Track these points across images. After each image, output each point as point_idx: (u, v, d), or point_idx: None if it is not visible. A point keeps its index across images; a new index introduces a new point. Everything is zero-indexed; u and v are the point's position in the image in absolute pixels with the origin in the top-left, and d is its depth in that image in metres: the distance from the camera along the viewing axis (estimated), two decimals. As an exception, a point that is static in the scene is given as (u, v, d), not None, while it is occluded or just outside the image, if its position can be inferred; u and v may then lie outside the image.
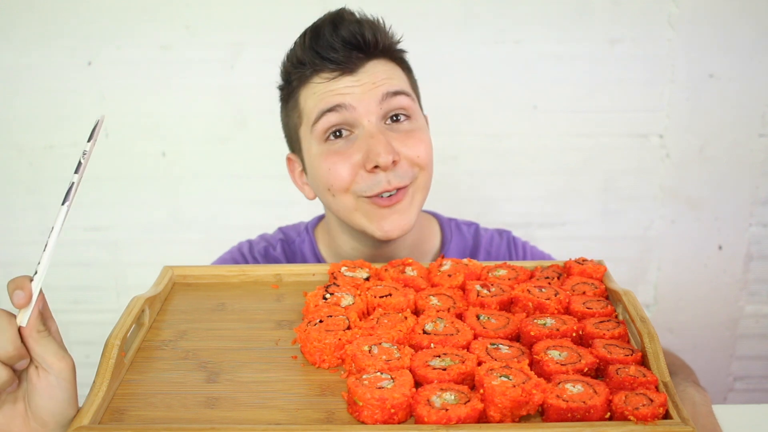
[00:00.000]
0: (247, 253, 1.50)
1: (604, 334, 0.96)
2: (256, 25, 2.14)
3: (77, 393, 0.87)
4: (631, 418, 0.79)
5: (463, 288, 1.11)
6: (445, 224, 1.53)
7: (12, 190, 2.33)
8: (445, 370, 0.87)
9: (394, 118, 1.26)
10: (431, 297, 1.07)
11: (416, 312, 1.06)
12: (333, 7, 1.28)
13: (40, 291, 0.88)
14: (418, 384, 0.87)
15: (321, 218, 1.53)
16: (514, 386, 0.81)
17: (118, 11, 2.14)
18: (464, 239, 1.51)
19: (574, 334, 0.97)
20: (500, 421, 0.81)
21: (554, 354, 0.90)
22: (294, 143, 1.37)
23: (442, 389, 0.84)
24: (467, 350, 0.93)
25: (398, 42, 1.31)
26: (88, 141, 0.97)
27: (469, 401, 0.82)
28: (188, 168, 2.29)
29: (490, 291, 1.07)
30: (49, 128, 2.26)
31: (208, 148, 2.27)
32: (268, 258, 1.49)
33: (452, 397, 0.83)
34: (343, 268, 1.15)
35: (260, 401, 0.88)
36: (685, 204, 2.30)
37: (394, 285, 1.09)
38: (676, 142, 2.23)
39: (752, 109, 2.20)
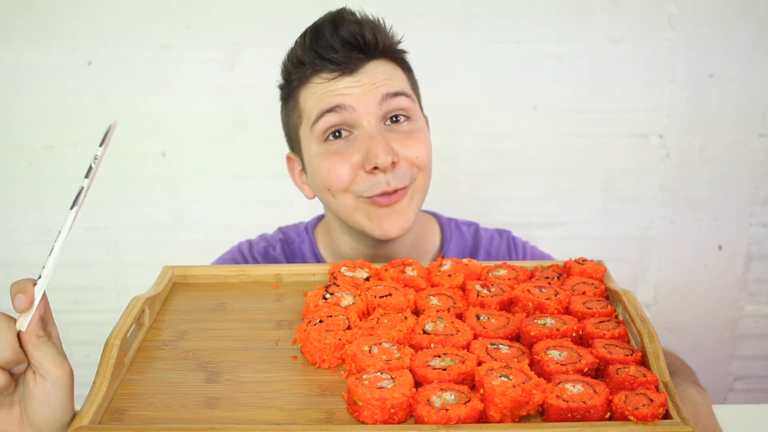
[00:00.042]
0: (246, 253, 1.50)
1: (604, 334, 0.96)
2: (256, 25, 2.14)
3: (74, 400, 0.87)
4: (631, 418, 0.79)
5: (463, 288, 1.11)
6: (444, 224, 1.53)
7: (12, 190, 2.33)
8: (445, 370, 0.87)
9: (394, 119, 1.26)
10: (431, 297, 1.07)
11: (416, 312, 1.06)
12: (333, 7, 1.28)
13: (43, 295, 0.88)
14: (418, 384, 0.87)
15: (321, 218, 1.53)
16: (514, 386, 0.81)
17: (118, 11, 2.14)
18: (464, 239, 1.51)
19: (574, 334, 0.97)
20: (500, 421, 0.81)
21: (554, 354, 0.90)
22: (294, 143, 1.37)
23: (442, 389, 0.84)
24: (467, 350, 0.93)
25: (399, 42, 1.31)
26: (100, 146, 0.93)
27: (469, 401, 0.82)
28: (188, 168, 2.29)
29: (490, 291, 1.07)
30: (49, 128, 2.26)
31: (208, 148, 2.27)
32: (267, 258, 1.49)
33: (452, 397, 0.83)
34: (343, 268, 1.15)
35: (260, 401, 0.88)
36: (685, 204, 2.30)
37: (394, 285, 1.09)
38: (676, 142, 2.23)
39: (752, 109, 2.20)
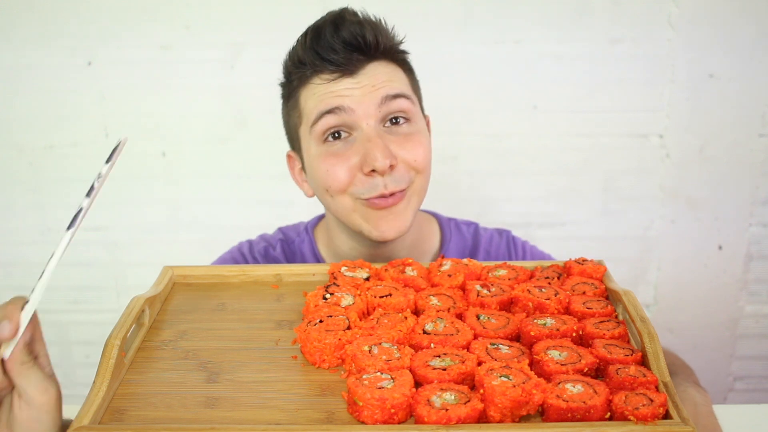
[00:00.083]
0: (246, 253, 1.50)
1: (604, 334, 0.96)
2: (256, 25, 2.14)
3: (61, 420, 0.86)
4: (631, 418, 0.79)
5: (463, 288, 1.11)
6: (444, 224, 1.53)
7: (12, 190, 2.33)
8: (445, 370, 0.87)
9: (394, 121, 1.26)
10: (431, 297, 1.07)
11: (416, 312, 1.06)
12: (333, 7, 1.28)
13: (33, 315, 0.84)
14: (418, 384, 0.87)
15: (321, 218, 1.53)
16: (514, 386, 0.81)
17: (118, 11, 2.14)
18: (464, 239, 1.51)
19: (574, 334, 0.97)
20: (500, 421, 0.81)
21: (554, 354, 0.90)
22: (294, 141, 1.37)
23: (442, 389, 0.84)
24: (467, 350, 0.93)
25: (400, 43, 1.30)
26: (107, 162, 0.84)
27: (469, 401, 0.82)
28: (188, 168, 2.29)
29: (490, 291, 1.07)
30: (49, 128, 2.26)
31: (208, 148, 2.27)
32: (267, 258, 1.49)
33: (452, 397, 0.83)
34: (343, 268, 1.15)
35: (260, 401, 0.88)
36: (685, 204, 2.30)
37: (394, 285, 1.09)
38: (676, 142, 2.23)
39: (752, 109, 2.20)
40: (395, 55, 1.28)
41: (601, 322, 0.99)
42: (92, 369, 0.90)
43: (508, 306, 1.06)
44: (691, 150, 2.24)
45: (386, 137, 1.24)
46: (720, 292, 2.39)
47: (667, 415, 0.81)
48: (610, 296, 1.08)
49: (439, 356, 0.90)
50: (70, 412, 0.86)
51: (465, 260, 1.17)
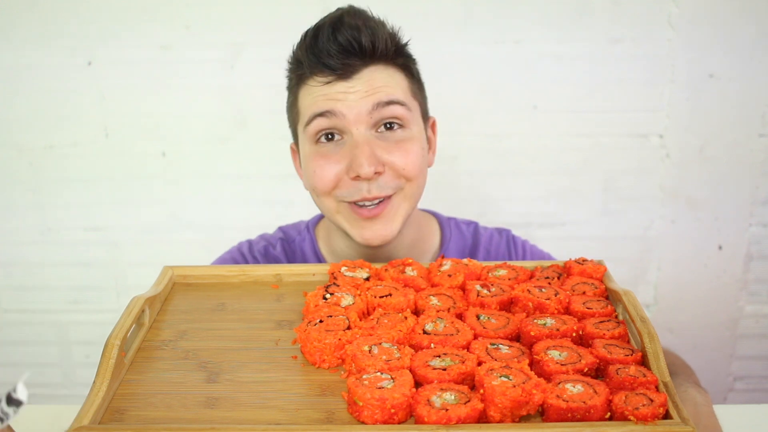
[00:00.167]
0: (246, 253, 1.50)
1: (604, 334, 0.96)
2: (256, 25, 2.14)
3: None
4: (631, 418, 0.79)
5: (463, 288, 1.11)
6: (444, 223, 1.53)
7: (12, 190, 2.33)
8: (445, 370, 0.87)
9: (388, 126, 1.26)
10: (431, 297, 1.07)
11: (416, 312, 1.06)
12: (333, 7, 1.28)
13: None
14: (418, 384, 0.87)
15: (322, 217, 1.53)
16: (514, 386, 0.81)
17: (118, 11, 2.14)
18: (464, 238, 1.51)
19: (574, 334, 0.97)
20: (500, 421, 0.81)
21: (554, 354, 0.90)
22: (294, 136, 1.38)
23: (442, 389, 0.84)
24: (467, 350, 0.93)
25: (403, 47, 1.30)
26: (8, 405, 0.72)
27: (469, 401, 0.82)
28: (188, 168, 2.29)
29: (490, 291, 1.07)
30: (49, 128, 2.26)
31: (208, 148, 2.27)
32: (268, 257, 1.49)
33: (452, 397, 0.83)
34: (343, 268, 1.15)
35: (260, 401, 0.88)
36: (685, 204, 2.30)
37: (394, 285, 1.09)
38: (676, 142, 2.23)
39: (752, 109, 2.20)
40: (394, 59, 1.28)
41: (601, 322, 0.99)
42: (92, 369, 0.90)
43: (508, 306, 1.06)
44: (691, 150, 2.24)
45: (376, 143, 1.24)
46: (720, 292, 2.38)
47: (667, 415, 0.81)
48: (610, 296, 1.08)
49: (439, 356, 0.90)
50: (70, 412, 0.85)
51: (465, 260, 1.17)
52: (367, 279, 1.13)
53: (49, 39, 2.17)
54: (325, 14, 1.27)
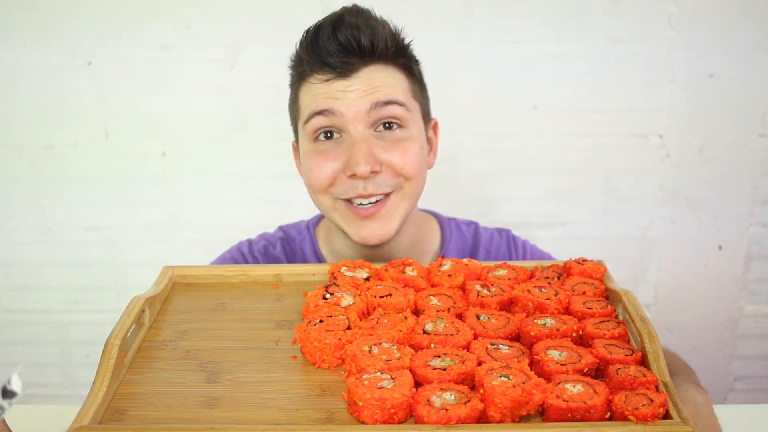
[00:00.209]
0: (246, 252, 1.50)
1: (604, 334, 0.96)
2: (256, 25, 2.14)
3: None
4: (631, 418, 0.79)
5: (463, 288, 1.11)
6: (444, 223, 1.53)
7: (12, 190, 2.33)
8: (445, 370, 0.87)
9: (387, 125, 1.27)
10: (431, 297, 1.07)
11: (416, 312, 1.06)
12: (333, 7, 1.28)
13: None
14: (418, 384, 0.87)
15: (322, 216, 1.53)
16: (514, 386, 0.81)
17: (118, 11, 2.14)
18: (464, 238, 1.51)
19: (574, 334, 0.97)
20: (500, 421, 0.81)
21: (554, 354, 0.90)
22: (295, 133, 1.39)
23: (442, 389, 0.84)
24: (467, 350, 0.93)
25: (406, 47, 1.30)
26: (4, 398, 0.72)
27: (469, 401, 0.82)
28: (188, 168, 2.29)
29: (490, 291, 1.07)
30: (49, 128, 2.26)
31: (208, 148, 2.27)
32: (267, 257, 1.49)
33: (452, 397, 0.83)
34: (343, 268, 1.15)
35: (260, 401, 0.88)
36: (685, 204, 2.30)
37: (394, 285, 1.09)
38: (676, 142, 2.23)
39: (752, 109, 2.20)
40: (395, 59, 1.28)
41: (601, 322, 0.99)
42: (92, 369, 0.90)
43: (508, 306, 1.06)
44: (691, 150, 2.24)
45: (374, 142, 1.24)
46: (720, 292, 2.38)
47: (667, 415, 0.81)
48: (610, 296, 1.08)
49: (439, 356, 0.90)
50: (70, 412, 0.85)
51: (465, 260, 1.17)
52: (367, 279, 1.13)
53: (49, 39, 2.17)
54: (325, 14, 1.27)
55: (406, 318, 1.00)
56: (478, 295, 1.06)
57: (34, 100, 2.23)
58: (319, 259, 1.48)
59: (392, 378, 0.85)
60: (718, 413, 1.12)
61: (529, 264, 1.20)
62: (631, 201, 2.30)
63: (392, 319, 1.00)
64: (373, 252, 1.36)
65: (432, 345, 0.94)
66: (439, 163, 1.44)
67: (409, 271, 1.14)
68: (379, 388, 0.83)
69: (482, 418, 0.82)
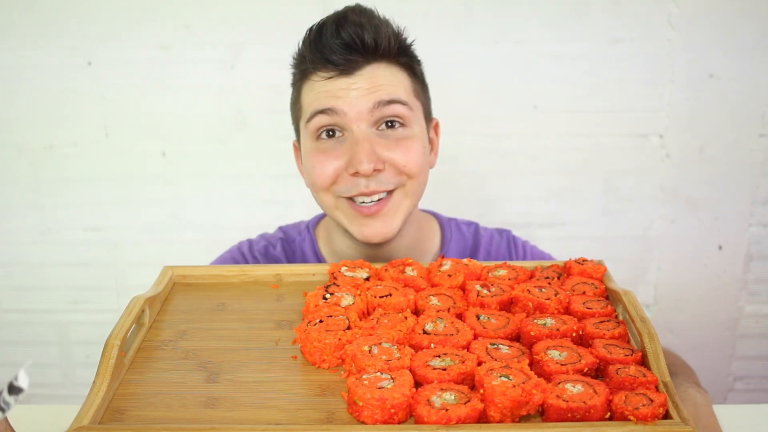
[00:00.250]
0: (246, 252, 1.50)
1: (604, 334, 0.96)
2: (256, 25, 2.14)
3: None
4: (631, 418, 0.79)
5: (463, 288, 1.11)
6: (444, 224, 1.53)
7: (12, 190, 2.33)
8: (445, 370, 0.87)
9: (390, 124, 1.27)
10: (431, 297, 1.07)
11: (416, 312, 1.06)
12: (333, 6, 1.28)
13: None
14: (418, 384, 0.87)
15: (322, 217, 1.53)
16: (514, 386, 0.81)
17: (118, 11, 2.14)
18: (464, 239, 1.51)
19: (574, 334, 0.97)
20: (500, 421, 0.81)
21: (554, 354, 0.90)
22: (297, 132, 1.39)
23: (442, 389, 0.84)
24: (467, 350, 0.93)
25: (408, 47, 1.30)
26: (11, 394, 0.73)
27: (469, 401, 0.82)
28: (188, 168, 2.29)
29: (490, 291, 1.07)
30: (49, 128, 2.26)
31: (208, 148, 2.27)
32: (268, 257, 1.49)
33: (452, 397, 0.83)
34: (343, 268, 1.15)
35: (260, 401, 0.88)
36: (685, 204, 2.30)
37: (394, 285, 1.09)
38: (676, 142, 2.23)
39: (752, 109, 2.20)
40: (398, 58, 1.28)
41: (601, 322, 0.99)
42: (92, 369, 0.90)
43: (508, 306, 1.06)
44: (691, 150, 2.24)
45: (377, 141, 1.24)
46: (720, 292, 2.38)
47: (667, 415, 0.81)
48: (610, 296, 1.08)
49: (439, 356, 0.90)
50: (70, 412, 0.86)
51: (465, 260, 1.17)
52: (367, 279, 1.13)
53: (49, 39, 2.17)
54: (325, 14, 1.27)
55: (406, 318, 1.00)
56: (478, 295, 1.06)
57: (34, 100, 2.23)
58: (319, 260, 1.48)
59: (392, 378, 0.85)
60: (718, 413, 1.12)
61: (529, 264, 1.20)
62: (631, 201, 2.30)
63: (392, 319, 1.00)
64: (373, 252, 1.36)
65: (432, 345, 0.94)
66: (439, 163, 1.44)
67: (409, 271, 1.14)
68: (379, 388, 0.83)
69: (482, 418, 0.82)
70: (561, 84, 2.18)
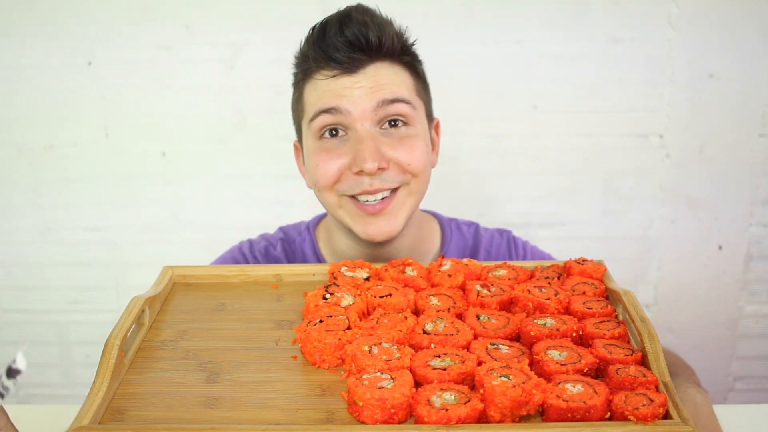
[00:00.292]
0: (247, 253, 1.50)
1: (604, 334, 0.96)
2: (256, 25, 2.14)
3: None
4: (631, 418, 0.79)
5: (463, 288, 1.11)
6: (445, 224, 1.53)
7: (12, 190, 2.33)
8: (445, 370, 0.87)
9: (393, 123, 1.27)
10: (431, 297, 1.07)
11: (416, 312, 1.06)
12: (332, 6, 1.29)
13: None
14: (418, 384, 0.87)
15: (322, 217, 1.53)
16: (514, 386, 0.81)
17: (118, 11, 2.14)
18: (464, 239, 1.51)
19: (574, 334, 0.97)
20: (500, 421, 0.81)
21: (554, 354, 0.90)
22: (298, 132, 1.39)
23: (442, 389, 0.84)
24: (467, 350, 0.93)
25: (410, 46, 1.30)
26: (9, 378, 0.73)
27: (469, 401, 0.82)
28: (188, 168, 2.29)
29: (490, 291, 1.07)
30: (49, 128, 2.26)
31: (208, 148, 2.27)
32: (268, 257, 1.49)
33: (452, 397, 0.83)
34: (343, 268, 1.15)
35: (260, 401, 0.88)
36: (685, 204, 2.30)
37: (394, 285, 1.09)
38: (676, 142, 2.23)
39: (752, 109, 2.20)
40: (400, 57, 1.28)
41: (601, 322, 0.99)
42: (92, 369, 0.90)
43: (508, 306, 1.06)
44: (691, 150, 2.24)
45: (380, 139, 1.25)
46: (720, 292, 2.38)
47: (667, 415, 0.81)
48: (610, 296, 1.08)
49: (439, 356, 0.90)
50: (70, 412, 0.86)
51: (465, 260, 1.17)
52: (367, 279, 1.13)
53: (49, 39, 2.17)
54: (325, 14, 1.27)
55: (406, 318, 1.00)
56: (478, 295, 1.06)
57: (34, 100, 2.23)
58: (320, 260, 1.48)
59: (392, 378, 0.85)
60: (718, 413, 1.12)
61: (529, 264, 1.20)
62: (631, 201, 2.30)
63: (392, 319, 1.00)
64: (374, 252, 1.36)
65: (432, 345, 0.94)
66: (440, 163, 1.44)
67: (409, 271, 1.14)
68: (379, 388, 0.83)
69: (482, 418, 0.82)
70: (561, 84, 2.18)
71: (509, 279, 1.12)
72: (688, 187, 2.28)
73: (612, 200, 2.30)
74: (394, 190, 1.28)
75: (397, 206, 1.28)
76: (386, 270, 1.15)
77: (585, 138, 2.24)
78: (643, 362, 0.91)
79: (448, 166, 2.24)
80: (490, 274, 1.14)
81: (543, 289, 1.05)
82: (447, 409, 0.80)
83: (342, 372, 0.93)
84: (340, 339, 0.94)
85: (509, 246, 1.52)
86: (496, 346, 0.93)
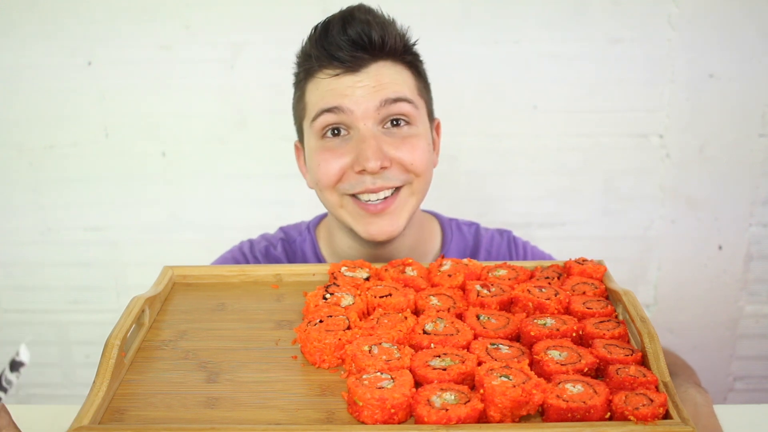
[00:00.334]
0: (247, 252, 1.50)
1: (604, 334, 0.96)
2: (256, 25, 2.14)
3: None
4: (631, 418, 0.79)
5: (463, 288, 1.11)
6: (445, 224, 1.53)
7: (12, 190, 2.33)
8: (445, 370, 0.87)
9: (395, 122, 1.27)
10: (431, 297, 1.07)
11: (416, 312, 1.06)
12: (332, 6, 1.29)
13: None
14: (418, 384, 0.87)
15: (322, 217, 1.53)
16: (514, 386, 0.81)
17: (118, 11, 2.14)
18: (464, 239, 1.51)
19: (574, 334, 0.97)
20: (500, 421, 0.81)
21: (554, 354, 0.90)
22: (299, 132, 1.39)
23: (442, 389, 0.84)
24: (467, 350, 0.93)
25: (412, 46, 1.31)
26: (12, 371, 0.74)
27: (469, 401, 0.82)
28: (188, 168, 2.29)
29: (490, 291, 1.07)
30: (49, 128, 2.26)
31: (208, 148, 2.27)
32: (268, 257, 1.49)
33: (452, 397, 0.83)
34: (343, 268, 1.15)
35: (260, 401, 0.88)
36: (685, 204, 2.30)
37: (394, 285, 1.09)
38: (676, 142, 2.23)
39: (752, 109, 2.20)
40: (403, 57, 1.29)
41: (601, 322, 0.99)
42: (92, 369, 0.90)
43: (508, 306, 1.06)
44: (691, 150, 2.24)
45: (383, 138, 1.25)
46: (720, 292, 2.38)
47: (667, 415, 0.81)
48: (610, 296, 1.08)
49: (439, 356, 0.90)
50: (70, 412, 0.86)
51: (465, 260, 1.17)
52: (367, 279, 1.13)
53: (49, 39, 2.17)
54: (325, 15, 1.27)
55: (406, 318, 1.00)
56: (478, 295, 1.06)
57: (34, 100, 2.23)
58: (320, 260, 1.48)
59: (392, 378, 0.85)
60: (718, 413, 1.12)
61: (529, 264, 1.20)
62: (631, 201, 2.30)
63: (392, 319, 1.00)
64: (375, 252, 1.36)
65: (432, 345, 0.94)
66: (440, 162, 1.44)
67: (409, 271, 1.14)
68: (379, 388, 0.83)
69: (482, 418, 0.82)
70: (561, 84, 2.18)
71: (509, 279, 1.12)
72: (688, 187, 2.28)
73: (612, 200, 2.30)
74: (396, 190, 1.28)
75: (399, 206, 1.28)
76: (386, 270, 1.15)
77: (585, 138, 2.24)
78: (643, 362, 0.91)
79: (448, 166, 2.24)
80: (490, 274, 1.14)
81: (543, 289, 1.05)
82: (447, 409, 0.80)
83: (342, 372, 0.93)
84: (340, 339, 0.94)
85: (509, 246, 1.52)
86: (496, 346, 0.93)
